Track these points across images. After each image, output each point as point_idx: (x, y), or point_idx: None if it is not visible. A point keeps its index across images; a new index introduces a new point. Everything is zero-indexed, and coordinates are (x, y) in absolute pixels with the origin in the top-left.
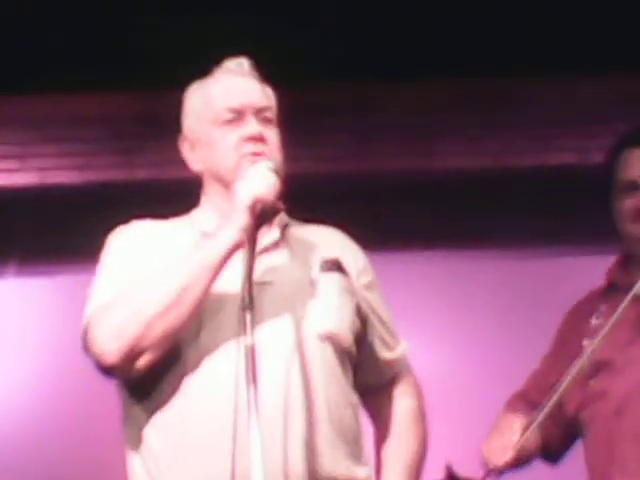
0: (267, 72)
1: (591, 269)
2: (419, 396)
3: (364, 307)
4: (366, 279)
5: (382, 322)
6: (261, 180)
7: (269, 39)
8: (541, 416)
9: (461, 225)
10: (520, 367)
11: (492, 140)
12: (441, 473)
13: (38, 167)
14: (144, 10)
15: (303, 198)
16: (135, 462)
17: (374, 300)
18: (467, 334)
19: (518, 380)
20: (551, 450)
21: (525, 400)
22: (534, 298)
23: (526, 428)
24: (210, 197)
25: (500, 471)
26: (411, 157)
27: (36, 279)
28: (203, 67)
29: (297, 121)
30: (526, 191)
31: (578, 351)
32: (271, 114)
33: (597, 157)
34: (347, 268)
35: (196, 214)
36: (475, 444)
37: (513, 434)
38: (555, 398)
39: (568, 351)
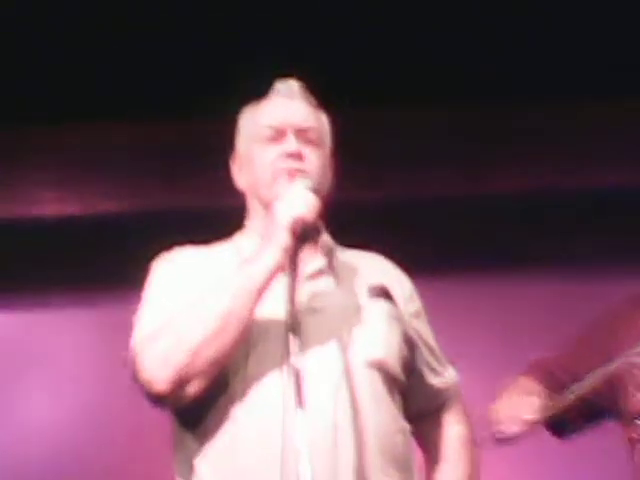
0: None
1: None
2: (468, 422)
3: (412, 334)
4: (413, 307)
5: (430, 349)
6: (300, 199)
7: (315, 64)
8: (569, 399)
9: (511, 248)
10: None
11: (536, 162)
12: None
13: (82, 195)
14: (191, 38)
15: (352, 224)
16: None
17: (422, 328)
18: (514, 357)
19: None
20: (563, 425)
21: (547, 372)
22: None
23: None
24: (252, 217)
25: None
26: (459, 182)
27: (81, 308)
28: (249, 96)
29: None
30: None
31: (618, 349)
32: (315, 135)
33: None
34: (394, 295)
35: (239, 237)
36: (521, 468)
37: (531, 401)
38: (584, 389)
39: (607, 343)
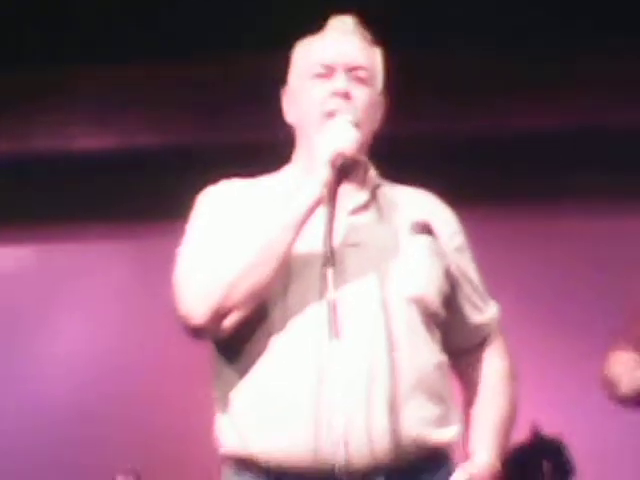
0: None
1: None
2: (509, 358)
3: (454, 270)
4: (457, 242)
5: (472, 285)
6: (341, 134)
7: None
8: None
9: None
10: (600, 321)
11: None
12: (528, 433)
13: (120, 129)
14: None
15: (401, 159)
16: (223, 422)
17: (464, 262)
18: (551, 289)
19: (598, 334)
20: None
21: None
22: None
23: None
24: (299, 151)
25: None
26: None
27: (121, 241)
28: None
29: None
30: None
31: None
32: (365, 74)
33: None
34: (437, 231)
35: (286, 170)
36: (556, 399)
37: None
38: None
39: None
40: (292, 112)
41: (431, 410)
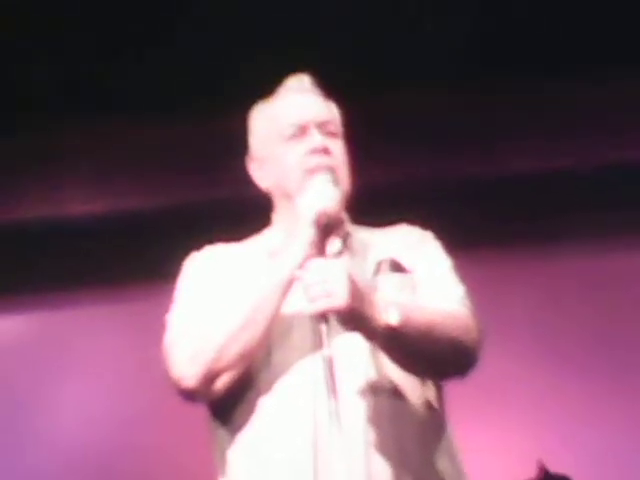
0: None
1: None
2: (469, 325)
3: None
4: (418, 241)
5: (432, 277)
6: (323, 193)
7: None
8: None
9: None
10: (601, 360)
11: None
12: (533, 471)
13: (112, 193)
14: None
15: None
16: None
17: (423, 254)
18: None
19: (602, 374)
20: None
21: None
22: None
23: None
24: (279, 214)
25: None
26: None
27: (113, 306)
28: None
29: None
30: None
31: None
32: (334, 127)
33: None
34: (404, 260)
35: (268, 233)
36: (562, 438)
37: None
38: None
39: None
40: (267, 178)
41: (439, 463)
